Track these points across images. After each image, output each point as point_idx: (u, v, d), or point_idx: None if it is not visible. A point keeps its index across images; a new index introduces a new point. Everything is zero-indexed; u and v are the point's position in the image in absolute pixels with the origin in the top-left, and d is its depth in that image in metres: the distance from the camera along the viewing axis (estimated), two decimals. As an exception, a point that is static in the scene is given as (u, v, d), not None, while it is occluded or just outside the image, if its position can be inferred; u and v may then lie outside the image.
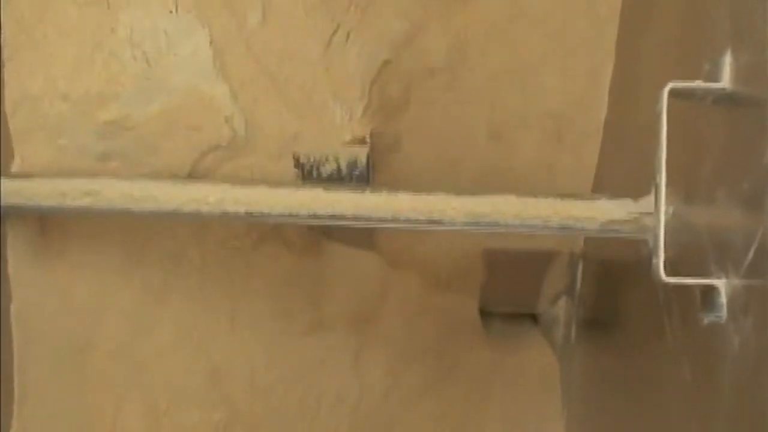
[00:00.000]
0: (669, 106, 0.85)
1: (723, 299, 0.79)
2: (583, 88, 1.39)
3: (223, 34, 1.31)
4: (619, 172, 1.32)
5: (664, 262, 0.85)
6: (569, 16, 1.38)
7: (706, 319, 0.83)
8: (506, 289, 1.58)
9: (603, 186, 1.39)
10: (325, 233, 1.46)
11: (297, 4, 1.33)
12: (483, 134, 1.43)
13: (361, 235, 1.45)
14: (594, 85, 1.39)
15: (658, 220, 0.88)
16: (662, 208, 0.88)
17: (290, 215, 1.13)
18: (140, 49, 1.30)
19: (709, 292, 0.81)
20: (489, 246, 1.51)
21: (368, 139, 1.36)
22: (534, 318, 1.66)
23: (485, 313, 1.60)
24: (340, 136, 1.36)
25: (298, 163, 1.33)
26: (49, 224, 1.34)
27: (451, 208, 1.10)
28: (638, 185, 1.09)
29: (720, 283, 0.80)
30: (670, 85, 0.84)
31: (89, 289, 1.39)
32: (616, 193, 1.11)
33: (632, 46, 1.30)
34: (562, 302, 1.60)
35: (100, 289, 1.40)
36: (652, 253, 0.99)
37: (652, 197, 1.00)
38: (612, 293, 1.33)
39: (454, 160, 1.43)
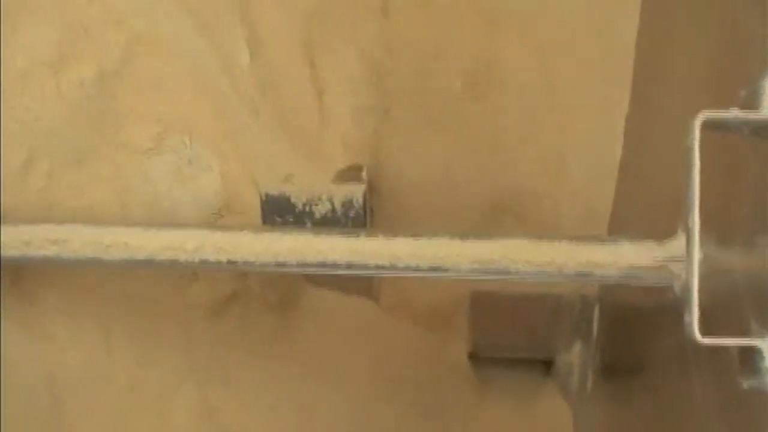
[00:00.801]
0: (700, 138, 0.75)
1: (767, 363, 0.69)
2: (598, 126, 1.30)
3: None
4: (638, 214, 1.23)
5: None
6: (581, 49, 1.30)
7: (746, 384, 0.73)
8: (510, 334, 1.48)
9: (619, 229, 1.29)
10: (311, 280, 1.36)
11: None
12: (491, 172, 1.34)
13: (354, 282, 1.36)
14: (609, 123, 1.30)
15: (691, 271, 0.78)
16: (695, 257, 0.78)
17: (277, 264, 1.02)
18: (152, 184, 1.30)
19: (750, 352, 0.72)
20: (491, 289, 1.41)
21: (365, 176, 1.26)
22: (546, 365, 1.57)
23: (490, 360, 1.51)
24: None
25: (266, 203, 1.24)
26: (22, 277, 1.26)
27: (455, 254, 0.99)
28: (660, 226, 0.99)
29: (763, 344, 0.70)
30: (703, 115, 0.74)
31: (67, 352, 1.32)
32: (634, 235, 1.01)
33: (651, 78, 1.21)
34: (578, 348, 1.49)
35: (80, 353, 1.33)
36: (679, 302, 0.90)
37: (678, 240, 0.92)
38: (633, 341, 1.23)
39: (457, 196, 1.34)
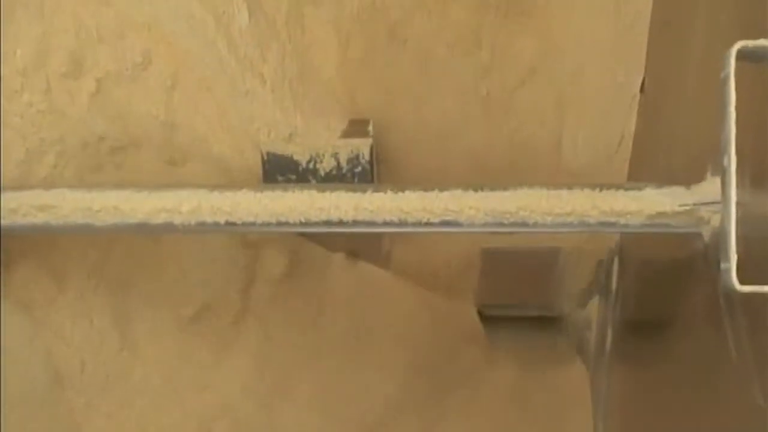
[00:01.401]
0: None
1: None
2: (616, 56, 1.24)
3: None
4: (660, 158, 1.17)
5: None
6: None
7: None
8: (520, 291, 1.43)
9: (640, 176, 1.23)
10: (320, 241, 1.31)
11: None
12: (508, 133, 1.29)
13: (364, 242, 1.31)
14: (628, 54, 1.24)
15: (728, 213, 0.73)
16: (732, 198, 0.73)
17: (279, 223, 0.96)
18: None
19: (791, 301, 0.67)
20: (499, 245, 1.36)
21: (371, 130, 1.20)
22: (559, 322, 1.51)
23: (499, 318, 1.46)
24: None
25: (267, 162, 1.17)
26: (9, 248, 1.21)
27: (468, 206, 0.93)
28: (686, 171, 0.93)
29: (807, 293, 0.65)
30: (738, 45, 0.68)
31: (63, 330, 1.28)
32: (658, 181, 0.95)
33: (674, 15, 1.15)
34: (595, 303, 1.44)
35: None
36: (708, 251, 0.85)
37: (707, 184, 0.87)
38: (657, 293, 1.17)
39: (468, 152, 1.28)
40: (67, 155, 1.22)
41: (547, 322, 1.49)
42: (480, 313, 1.45)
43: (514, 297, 1.44)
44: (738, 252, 0.73)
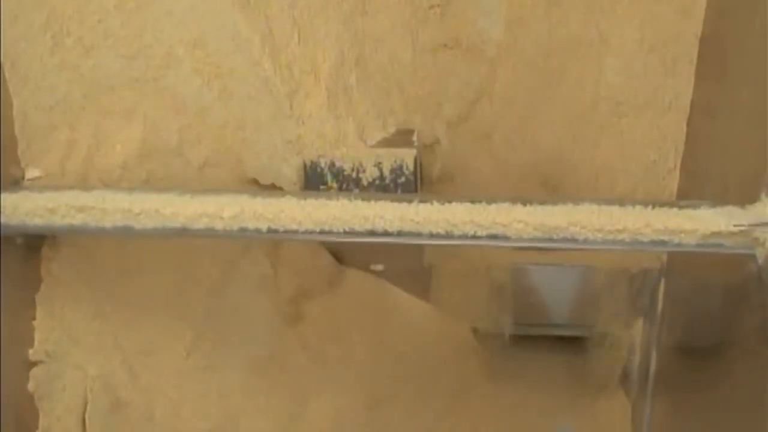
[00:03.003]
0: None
1: None
2: (665, 77, 1.21)
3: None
4: (710, 178, 1.14)
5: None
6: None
7: None
8: (554, 309, 1.40)
9: (689, 195, 1.20)
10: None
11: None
12: (550, 134, 1.25)
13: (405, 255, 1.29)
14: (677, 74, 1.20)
15: (792, 234, 0.70)
16: None
17: (321, 232, 0.94)
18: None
19: None
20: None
21: (416, 139, 1.18)
22: (596, 344, 1.48)
23: (530, 339, 1.42)
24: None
25: (310, 169, 1.15)
26: (40, 248, 1.19)
27: (516, 220, 0.91)
28: (738, 193, 0.91)
29: None
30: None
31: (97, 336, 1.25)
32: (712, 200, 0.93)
33: (726, 26, 1.12)
34: (639, 326, 1.40)
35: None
36: (762, 271, 0.83)
37: (762, 205, 0.84)
38: (705, 317, 1.14)
39: (518, 161, 1.26)
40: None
41: (584, 345, 1.46)
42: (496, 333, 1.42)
43: (548, 316, 1.41)
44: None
